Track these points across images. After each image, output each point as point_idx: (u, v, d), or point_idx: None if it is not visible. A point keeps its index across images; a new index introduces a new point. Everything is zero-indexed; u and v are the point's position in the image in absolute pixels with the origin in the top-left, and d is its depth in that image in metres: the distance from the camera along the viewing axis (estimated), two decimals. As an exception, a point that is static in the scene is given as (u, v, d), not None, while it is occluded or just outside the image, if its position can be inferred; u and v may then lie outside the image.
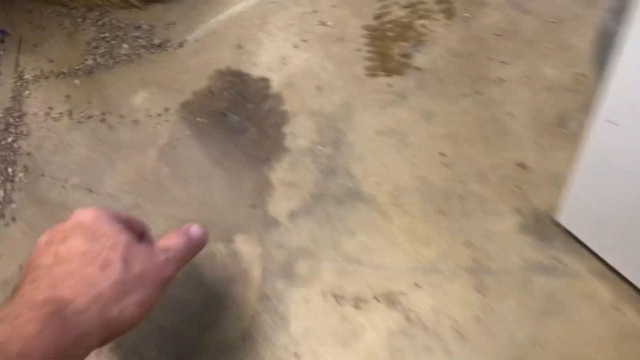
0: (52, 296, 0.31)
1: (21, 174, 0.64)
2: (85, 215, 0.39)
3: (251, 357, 0.51)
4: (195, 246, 0.45)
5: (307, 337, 0.51)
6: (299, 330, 0.52)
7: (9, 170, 0.64)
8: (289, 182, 0.59)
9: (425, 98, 0.62)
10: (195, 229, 0.47)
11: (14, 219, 0.62)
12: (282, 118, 0.63)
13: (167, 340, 0.52)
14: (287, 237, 0.56)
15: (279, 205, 0.58)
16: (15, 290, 0.34)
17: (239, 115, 0.64)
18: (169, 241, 0.42)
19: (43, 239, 0.38)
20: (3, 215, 0.62)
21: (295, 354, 0.50)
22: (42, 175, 0.64)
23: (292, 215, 0.57)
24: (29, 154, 0.65)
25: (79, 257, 0.35)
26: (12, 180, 0.64)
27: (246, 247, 0.56)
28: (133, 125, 0.65)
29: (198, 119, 0.64)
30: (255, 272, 0.55)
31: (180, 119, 0.65)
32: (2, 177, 0.63)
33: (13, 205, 0.62)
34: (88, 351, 0.32)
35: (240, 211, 0.58)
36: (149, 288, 0.37)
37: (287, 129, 0.62)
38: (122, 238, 0.37)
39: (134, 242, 0.38)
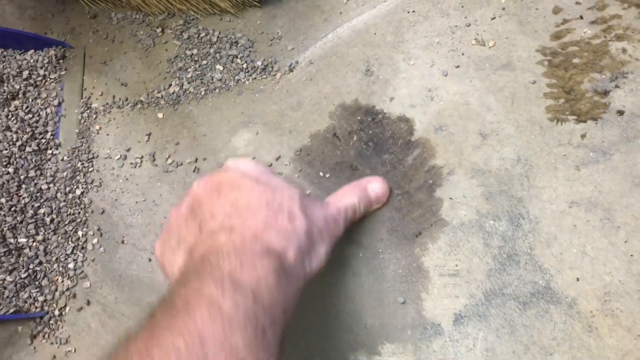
0: (268, 248, 0.34)
1: (95, 240, 0.55)
2: (245, 165, 0.40)
3: None
4: (371, 203, 0.49)
5: None
6: None
7: (79, 233, 0.55)
8: (450, 270, 0.48)
9: (638, 157, 0.49)
10: (375, 187, 0.49)
11: (88, 302, 0.53)
12: (434, 177, 0.51)
13: None
14: (454, 350, 0.45)
15: (439, 304, 0.47)
16: (194, 232, 0.36)
17: (374, 170, 0.53)
18: (343, 199, 0.45)
19: (201, 186, 0.39)
20: (74, 296, 0.53)
21: None
22: (122, 242, 0.55)
23: (459, 319, 0.46)
24: (103, 212, 0.56)
25: (264, 207, 0.36)
26: (83, 248, 0.55)
27: (397, 362, 0.46)
28: (235, 178, 0.55)
29: (320, 174, 0.53)
30: (413, 400, 0.44)
31: (297, 172, 0.54)
32: (72, 244, 0.54)
33: (86, 283, 0.54)
34: (295, 305, 0.36)
35: (386, 309, 0.48)
36: (326, 241, 0.41)
37: (442, 192, 0.51)
38: (295, 190, 0.40)
39: (305, 195, 0.41)
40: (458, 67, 0.58)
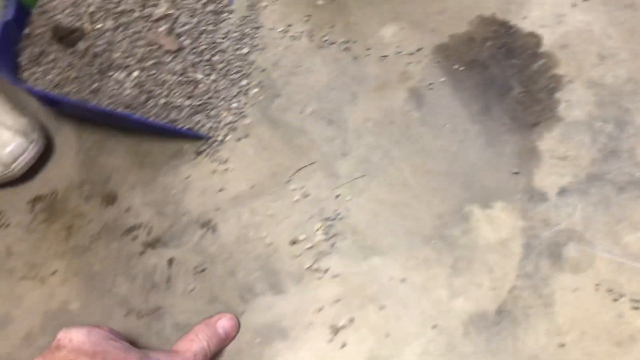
0: None
1: (256, 90, 0.68)
2: (78, 338, 0.40)
3: (507, 334, 0.52)
4: (222, 342, 0.51)
5: (574, 328, 0.52)
6: (565, 320, 0.52)
7: (243, 82, 0.68)
8: (560, 155, 0.59)
9: None
10: (224, 323, 0.52)
11: (246, 135, 0.66)
12: (555, 82, 0.63)
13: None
14: (556, 215, 0.57)
15: (547, 178, 0.59)
16: None
17: (503, 70, 0.65)
18: (192, 345, 0.47)
19: None
20: (235, 129, 0.66)
21: (560, 344, 0.51)
22: (278, 95, 0.67)
23: (563, 192, 0.58)
24: (264, 70, 0.69)
25: None
26: (246, 94, 0.68)
27: (505, 216, 0.57)
28: (380, 60, 0.67)
29: (455, 67, 0.65)
30: (516, 245, 0.56)
31: (434, 63, 0.66)
32: (237, 89, 0.67)
33: (247, 121, 0.66)
34: None
35: (501, 176, 0.59)
36: None
37: (560, 95, 0.62)
38: (134, 355, 0.41)
39: (147, 356, 0.42)
40: (586, 0, 0.69)
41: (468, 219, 0.58)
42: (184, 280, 0.60)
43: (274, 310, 0.57)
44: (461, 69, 0.67)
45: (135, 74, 0.65)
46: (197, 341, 0.47)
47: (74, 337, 0.40)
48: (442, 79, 0.66)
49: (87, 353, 0.38)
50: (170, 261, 0.60)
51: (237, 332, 0.52)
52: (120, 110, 0.63)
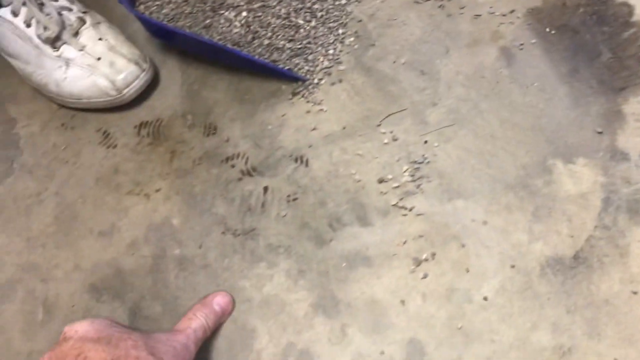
0: None
1: (351, 39, 0.73)
2: (82, 328, 0.43)
3: (582, 278, 0.56)
4: (219, 317, 0.54)
5: (647, 278, 0.55)
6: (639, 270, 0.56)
7: (340, 31, 0.73)
8: (645, 119, 0.62)
9: None
10: (219, 300, 0.55)
11: (340, 80, 0.71)
12: (645, 51, 0.65)
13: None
14: (637, 174, 0.60)
15: (631, 140, 0.62)
16: None
17: (593, 36, 0.68)
18: (191, 323, 0.50)
19: None
20: (330, 74, 0.71)
21: (633, 292, 0.55)
22: (373, 45, 0.72)
23: (645, 154, 0.61)
24: (360, 20, 0.73)
25: None
26: (342, 42, 0.72)
27: (587, 172, 0.61)
28: (474, 19, 0.71)
29: (546, 30, 0.69)
30: (596, 199, 0.60)
31: (526, 25, 0.69)
32: (334, 37, 0.72)
33: (341, 67, 0.71)
34: None
35: (585, 134, 0.63)
36: None
37: (650, 63, 0.65)
38: (136, 335, 0.43)
39: (149, 335, 0.44)
40: (682, -25, 0.71)
41: (551, 172, 0.62)
42: (277, 207, 0.65)
43: (360, 240, 0.62)
44: (552, 32, 0.70)
45: (244, 14, 0.71)
46: (195, 319, 0.50)
47: (79, 328, 0.43)
48: (533, 41, 0.70)
49: (92, 339, 0.41)
50: (266, 189, 0.65)
51: (233, 308, 0.55)
52: (228, 46, 0.68)
